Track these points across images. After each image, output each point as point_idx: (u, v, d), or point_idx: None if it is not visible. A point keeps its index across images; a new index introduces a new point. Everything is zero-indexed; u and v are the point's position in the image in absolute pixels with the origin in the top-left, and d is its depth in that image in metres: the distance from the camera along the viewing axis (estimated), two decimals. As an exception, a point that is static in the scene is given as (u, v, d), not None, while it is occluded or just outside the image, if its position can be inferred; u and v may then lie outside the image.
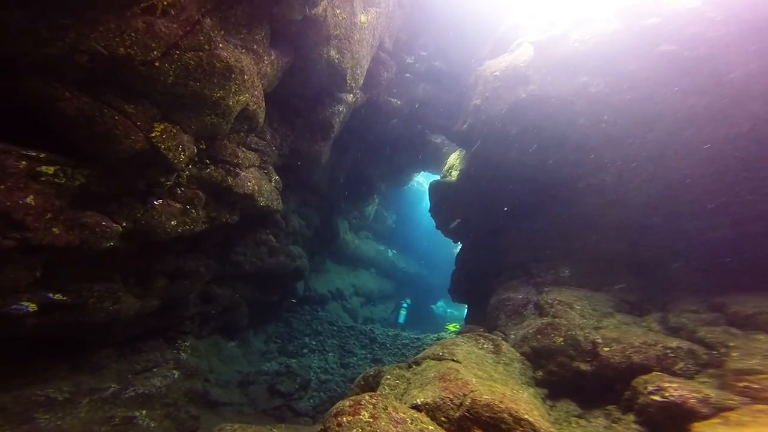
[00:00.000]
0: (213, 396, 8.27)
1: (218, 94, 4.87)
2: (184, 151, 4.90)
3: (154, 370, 7.43)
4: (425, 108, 11.36)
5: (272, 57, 6.34)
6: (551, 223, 7.50)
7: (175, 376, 7.69)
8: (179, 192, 5.51)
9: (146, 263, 6.07)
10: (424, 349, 13.12)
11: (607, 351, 4.91)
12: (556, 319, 5.63)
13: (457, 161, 11.86)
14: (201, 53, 4.44)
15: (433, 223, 12.45)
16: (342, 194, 14.76)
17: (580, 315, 5.73)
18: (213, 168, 5.92)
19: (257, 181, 6.96)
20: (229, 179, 6.16)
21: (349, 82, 7.94)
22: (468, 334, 6.12)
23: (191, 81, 4.45)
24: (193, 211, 5.79)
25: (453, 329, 16.25)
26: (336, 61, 7.29)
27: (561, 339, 5.29)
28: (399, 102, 10.95)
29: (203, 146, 5.56)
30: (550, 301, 6.09)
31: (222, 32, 4.91)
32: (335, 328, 14.61)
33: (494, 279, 8.25)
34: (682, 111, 6.17)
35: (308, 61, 7.16)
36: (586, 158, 6.92)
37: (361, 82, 8.62)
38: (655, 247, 6.48)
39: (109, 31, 3.53)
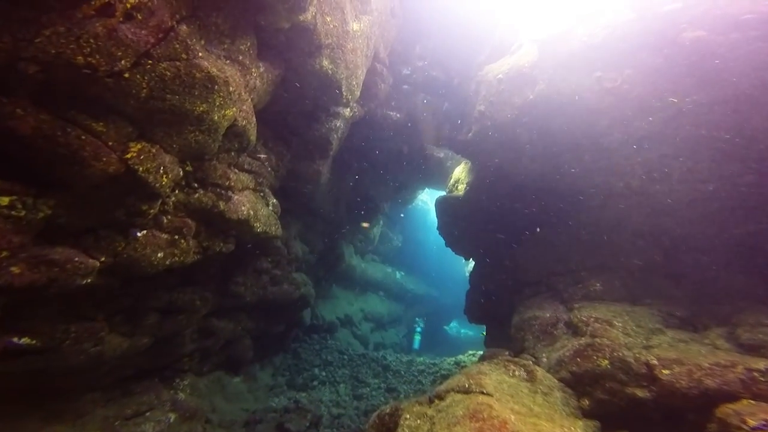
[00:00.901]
0: (215, 441, 7.56)
1: (201, 108, 4.40)
2: (166, 173, 4.39)
3: (147, 414, 6.74)
4: (427, 120, 10.95)
5: (261, 69, 5.93)
6: (574, 233, 6.87)
7: (171, 419, 7.00)
8: (165, 221, 4.98)
9: (133, 299, 5.50)
10: (442, 376, 12.37)
11: (668, 374, 4.21)
12: (597, 339, 4.94)
13: (463, 174, 11.37)
14: (178, 63, 3.99)
15: (440, 241, 11.88)
16: (345, 217, 14.24)
17: (624, 332, 5.05)
18: (202, 192, 5.41)
19: (252, 205, 6.45)
20: (221, 204, 5.65)
21: (344, 94, 7.52)
22: (495, 360, 5.43)
23: (169, 94, 3.99)
24: (183, 241, 5.25)
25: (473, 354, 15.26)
26: (330, 71, 6.89)
27: (606, 361, 4.60)
28: (399, 115, 10.54)
29: (189, 168, 5.07)
30: (584, 319, 5.40)
31: (202, 41, 4.49)
32: (346, 356, 13.92)
33: (514, 296, 7.58)
34: (720, 103, 5.60)
35: (300, 74, 6.75)
36: (607, 161, 6.34)
37: (358, 94, 8.21)
38: (694, 255, 5.83)
39: (59, 36, 3.07)
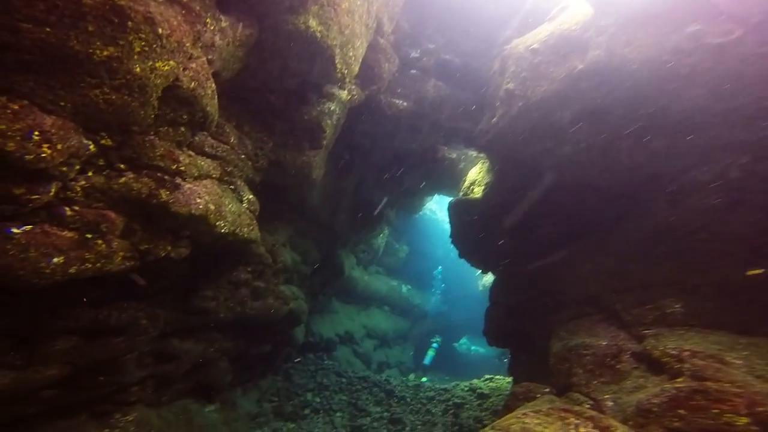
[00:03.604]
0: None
1: (106, 52, 3.01)
2: (50, 142, 2.96)
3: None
4: (438, 110, 9.49)
5: (223, 24, 4.53)
6: (635, 240, 5.26)
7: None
8: (69, 213, 3.53)
9: (27, 319, 4.04)
10: (455, 405, 10.64)
11: None
12: (709, 383, 3.34)
13: (480, 175, 9.88)
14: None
15: (450, 253, 10.41)
16: (346, 224, 12.76)
17: (752, 374, 3.46)
18: (132, 176, 3.95)
19: (215, 199, 4.98)
20: (163, 193, 4.17)
21: (339, 67, 6.09)
22: (539, 406, 3.86)
23: (26, 23, 2.62)
24: (100, 241, 3.79)
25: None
26: (318, 35, 5.46)
27: (745, 419, 2.99)
28: (405, 103, 9.07)
29: (107, 141, 3.62)
30: (673, 352, 3.81)
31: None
32: (344, 379, 12.38)
33: (550, 317, 6.00)
34: None
35: (280, 36, 5.34)
36: (690, 145, 4.71)
37: (356, 69, 6.77)
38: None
39: None
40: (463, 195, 10.04)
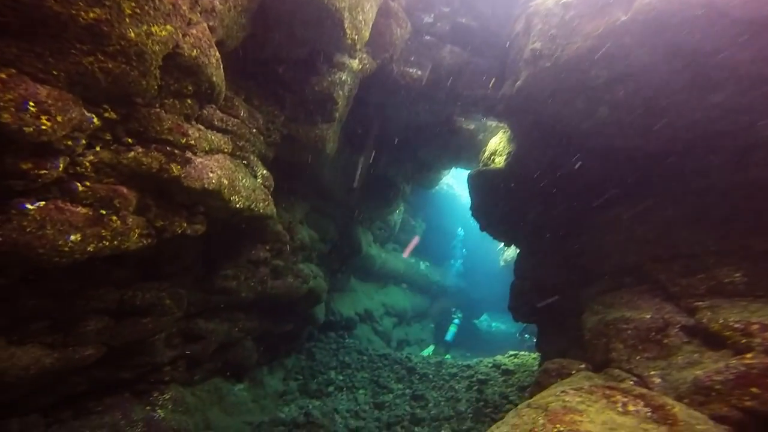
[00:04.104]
0: (202, 470, 6.17)
1: (91, 14, 2.75)
2: (48, 113, 2.76)
3: (105, 441, 5.30)
4: (455, 78, 9.01)
5: (222, -14, 4.23)
6: (684, 204, 4.85)
7: (144, 445, 5.59)
8: (81, 188, 3.38)
9: (55, 300, 3.99)
10: (479, 381, 10.53)
11: None
12: None
13: (501, 145, 9.44)
14: None
15: (469, 228, 10.10)
16: (361, 200, 12.52)
17: None
18: (141, 150, 3.76)
19: (227, 173, 4.77)
20: (174, 167, 3.99)
21: (348, 32, 5.72)
22: (581, 385, 3.60)
23: None
24: (115, 217, 3.65)
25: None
26: (326, -5, 5.10)
27: None
28: (419, 72, 8.61)
29: (111, 114, 3.42)
30: (737, 326, 3.50)
31: None
32: (365, 357, 12.43)
33: (581, 290, 5.71)
34: None
35: (285, 0, 5.01)
36: (763, 98, 4.16)
37: (366, 35, 6.36)
38: None
39: None
40: (483, 166, 9.66)
